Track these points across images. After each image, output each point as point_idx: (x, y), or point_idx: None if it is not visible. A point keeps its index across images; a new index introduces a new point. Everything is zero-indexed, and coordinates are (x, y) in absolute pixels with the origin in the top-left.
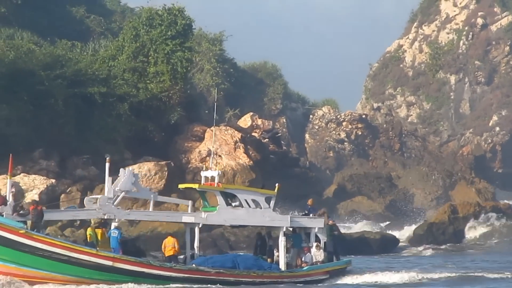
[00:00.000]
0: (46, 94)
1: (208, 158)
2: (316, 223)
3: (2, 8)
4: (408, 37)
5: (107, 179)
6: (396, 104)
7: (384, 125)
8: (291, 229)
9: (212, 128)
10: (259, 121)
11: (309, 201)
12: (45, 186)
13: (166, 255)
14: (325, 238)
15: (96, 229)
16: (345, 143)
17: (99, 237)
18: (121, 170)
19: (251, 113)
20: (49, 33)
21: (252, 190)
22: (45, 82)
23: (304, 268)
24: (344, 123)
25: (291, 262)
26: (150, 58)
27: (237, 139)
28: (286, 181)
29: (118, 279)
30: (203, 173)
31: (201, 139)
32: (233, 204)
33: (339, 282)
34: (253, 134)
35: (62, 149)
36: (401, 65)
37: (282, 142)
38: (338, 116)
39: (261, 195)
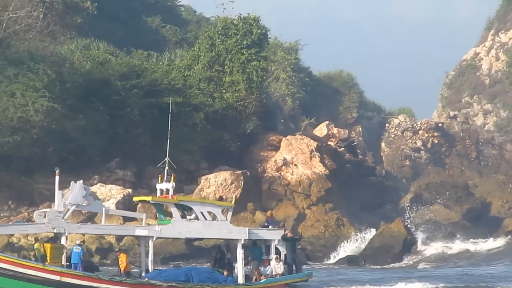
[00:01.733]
0: (122, 104)
1: (283, 167)
2: (276, 235)
3: (78, 19)
4: (484, 45)
5: (57, 192)
6: (472, 112)
7: (461, 134)
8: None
9: (288, 137)
10: (335, 130)
11: (268, 213)
12: (122, 196)
13: (122, 271)
14: (285, 250)
15: (45, 244)
16: (421, 152)
17: (48, 252)
18: (72, 183)
19: (327, 122)
20: (125, 43)
21: (208, 202)
22: (121, 92)
23: (261, 281)
24: (420, 132)
25: (251, 275)
26: (225, 67)
27: (313, 148)
28: (362, 190)
29: None
30: (158, 186)
31: (276, 148)
32: (189, 216)
33: None
34: (329, 143)
35: (138, 159)
36: (478, 73)
37: (358, 151)
38: (414, 125)
39: (218, 207)
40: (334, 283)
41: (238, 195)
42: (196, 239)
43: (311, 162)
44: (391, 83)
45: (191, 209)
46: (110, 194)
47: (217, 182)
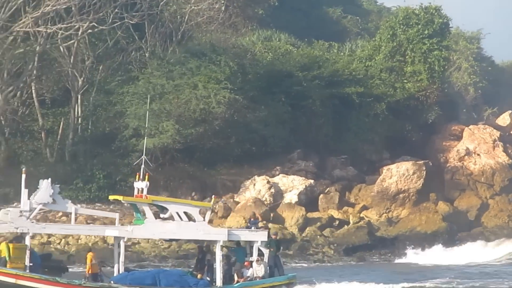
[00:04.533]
0: (303, 95)
1: (466, 157)
2: (259, 237)
3: (260, 10)
4: None
5: (23, 191)
6: None
7: None
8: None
9: (471, 127)
10: None
11: (252, 214)
12: (304, 187)
13: (88, 272)
14: (268, 252)
15: (9, 244)
16: None
17: (10, 253)
18: (40, 181)
19: (510, 112)
20: (306, 34)
21: (184, 202)
22: (303, 83)
23: (236, 285)
24: None
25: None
26: (407, 57)
27: (496, 138)
28: None
29: None
30: (135, 184)
31: (459, 138)
32: (163, 216)
33: None
34: None
35: (320, 150)
36: None
37: None
38: None
39: (195, 207)
40: None
41: (420, 185)
42: (170, 240)
43: (494, 152)
44: None
45: (165, 209)
46: (292, 185)
47: (399, 173)
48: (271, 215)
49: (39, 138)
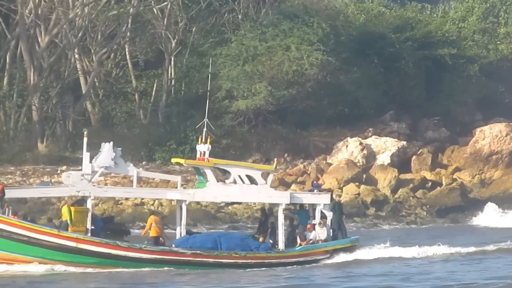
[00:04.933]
0: (396, 56)
1: None
2: (321, 200)
3: None
4: None
5: (85, 154)
6: None
7: None
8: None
9: None
10: None
11: (316, 177)
12: (396, 148)
13: (150, 236)
14: (331, 215)
15: (71, 207)
16: None
17: (72, 216)
18: (102, 144)
19: None
20: None
21: (246, 165)
22: (395, 44)
23: (297, 248)
24: None
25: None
26: (500, 18)
27: None
28: None
29: (83, 261)
30: (198, 147)
31: None
32: (227, 180)
33: (336, 261)
34: None
35: (412, 111)
36: None
37: None
38: None
39: (257, 170)
40: None
41: None
42: (233, 203)
43: None
44: None
45: (227, 172)
46: (384, 146)
47: (492, 134)
48: (364, 176)
49: (132, 100)
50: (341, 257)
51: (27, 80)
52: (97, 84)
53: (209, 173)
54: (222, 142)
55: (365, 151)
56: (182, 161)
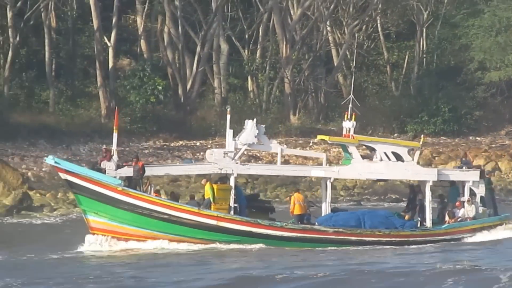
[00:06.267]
0: None
1: None
2: (470, 176)
3: None
4: None
5: (228, 131)
6: None
7: None
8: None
9: None
10: None
11: (464, 154)
12: None
13: (293, 214)
14: (482, 192)
15: (214, 185)
16: None
17: (215, 194)
18: (246, 121)
19: None
20: None
21: (392, 142)
22: None
23: (443, 226)
24: None
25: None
26: None
27: None
28: None
29: (224, 239)
30: (344, 124)
31: None
32: (375, 158)
33: (478, 239)
34: None
35: None
36: None
37: None
38: None
39: (403, 147)
40: None
41: None
42: (378, 180)
43: None
44: None
45: (373, 149)
46: None
47: None
48: None
49: (384, 72)
50: (487, 235)
51: (279, 52)
52: (349, 56)
53: (354, 150)
54: (475, 114)
55: None
56: (326, 138)
